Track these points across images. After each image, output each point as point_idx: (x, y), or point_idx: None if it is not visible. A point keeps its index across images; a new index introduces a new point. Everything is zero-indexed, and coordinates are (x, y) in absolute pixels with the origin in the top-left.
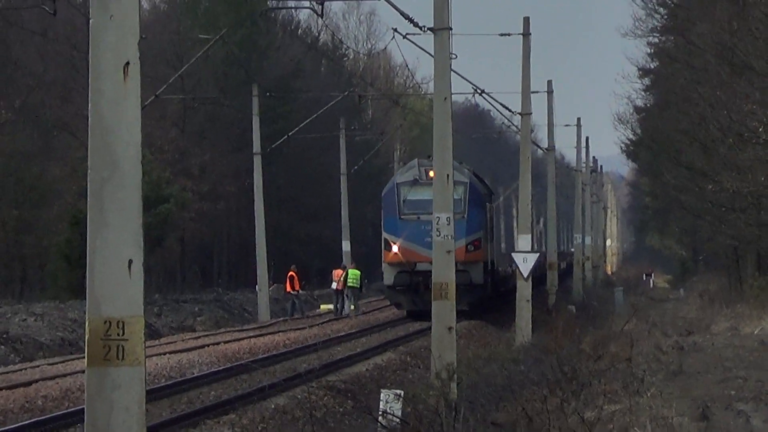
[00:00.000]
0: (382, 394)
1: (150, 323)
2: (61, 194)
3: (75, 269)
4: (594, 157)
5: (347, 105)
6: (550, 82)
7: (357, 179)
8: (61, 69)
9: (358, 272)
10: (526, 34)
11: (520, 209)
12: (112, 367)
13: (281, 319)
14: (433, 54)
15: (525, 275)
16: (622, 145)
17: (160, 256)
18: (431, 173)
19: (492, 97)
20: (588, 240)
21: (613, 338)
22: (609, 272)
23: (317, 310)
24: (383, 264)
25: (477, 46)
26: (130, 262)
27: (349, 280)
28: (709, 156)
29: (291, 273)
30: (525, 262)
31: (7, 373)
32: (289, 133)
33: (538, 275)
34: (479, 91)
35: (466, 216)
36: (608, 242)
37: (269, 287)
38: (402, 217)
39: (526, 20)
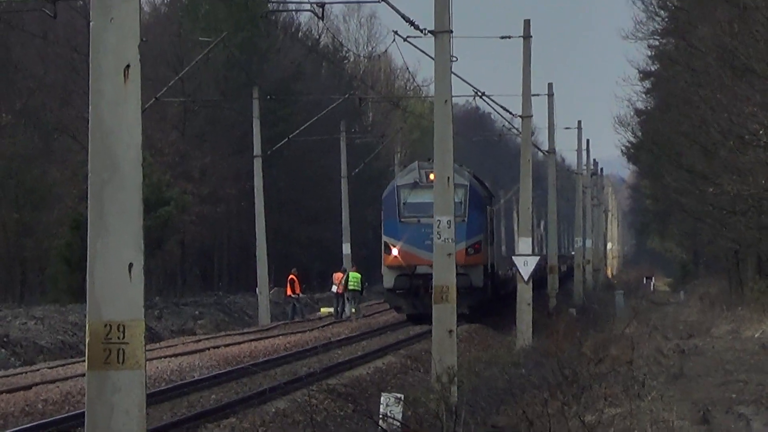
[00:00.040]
0: (382, 398)
1: (150, 326)
2: (62, 197)
3: (75, 272)
4: (594, 159)
5: (348, 108)
6: (550, 85)
7: (357, 182)
8: (61, 71)
9: (359, 275)
10: (526, 37)
11: (521, 212)
12: (112, 371)
13: (282, 322)
14: (433, 57)
15: (526, 278)
16: (623, 148)
17: (160, 259)
18: (431, 176)
19: (492, 100)
20: (589, 243)
21: (613, 341)
22: (610, 275)
23: (318, 314)
24: (383, 267)
25: (477, 49)
26: (131, 265)
27: (350, 283)
28: (710, 159)
29: (291, 276)
30: (526, 265)
31: (8, 376)
32: (290, 136)
33: (539, 278)
34: (480, 93)
35: (466, 219)
36: (609, 245)
37: (270, 290)
38: (402, 220)
39: (527, 23)
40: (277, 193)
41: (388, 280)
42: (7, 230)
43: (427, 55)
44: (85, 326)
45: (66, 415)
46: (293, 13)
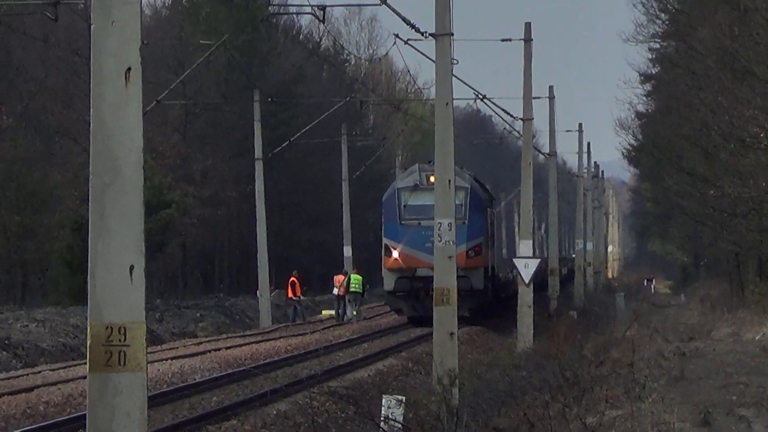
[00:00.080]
0: (383, 400)
1: (151, 329)
2: (63, 200)
3: (76, 275)
4: (595, 162)
5: (349, 110)
6: (551, 88)
7: (358, 185)
8: (62, 74)
9: (361, 277)
10: (527, 40)
11: (522, 215)
12: (113, 373)
13: (283, 324)
14: (434, 59)
15: (527, 281)
16: (624, 151)
17: (161, 261)
18: (432, 178)
19: (493, 103)
20: (589, 245)
21: (614, 344)
22: (610, 278)
23: (319, 316)
24: (383, 270)
25: (478, 52)
26: (132, 267)
27: (351, 285)
28: (711, 161)
29: (292, 279)
30: (527, 268)
31: (9, 378)
32: (291, 139)
33: (540, 281)
34: (481, 96)
35: (466, 221)
36: (610, 248)
37: (271, 293)
38: (402, 222)
39: (528, 26)
40: (278, 196)
41: (389, 282)
42: (9, 233)
43: (428, 57)
44: (86, 328)
45: (67, 417)
46: (294, 15)
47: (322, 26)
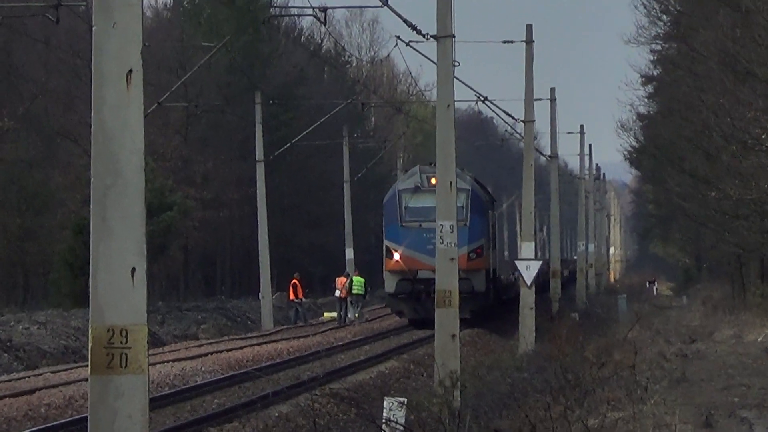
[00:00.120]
0: (385, 402)
1: (153, 331)
2: (64, 202)
3: (78, 277)
4: (597, 164)
5: (350, 112)
6: (553, 90)
7: (360, 187)
8: (63, 77)
9: (363, 279)
10: (529, 42)
11: (524, 217)
12: (115, 375)
13: (284, 326)
14: (436, 61)
15: (528, 283)
16: (625, 153)
17: (163, 264)
18: (433, 180)
19: (495, 105)
20: (591, 247)
21: (616, 346)
22: (612, 280)
23: (320, 318)
24: (384, 272)
25: (480, 54)
26: (133, 270)
27: (354, 288)
28: (713, 163)
29: (294, 281)
30: (528, 270)
31: (11, 381)
32: (292, 141)
33: (541, 283)
34: (482, 98)
35: (468, 223)
36: (611, 250)
37: (272, 295)
38: (403, 224)
39: (529, 28)
40: (280, 198)
41: (390, 284)
42: (10, 235)
43: (429, 59)
44: (87, 331)
45: (69, 419)
46: (295, 17)
47: (323, 28)
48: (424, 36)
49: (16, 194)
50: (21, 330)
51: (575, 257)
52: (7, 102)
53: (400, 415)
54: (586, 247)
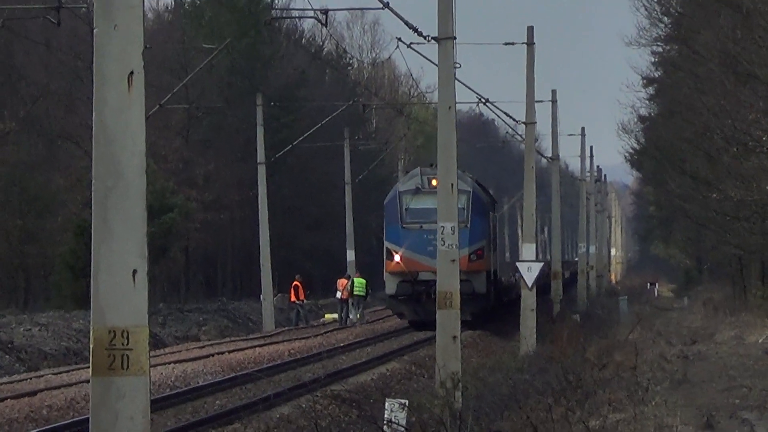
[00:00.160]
0: (386, 404)
1: (154, 333)
2: (66, 204)
3: (79, 279)
4: (598, 166)
5: (351, 114)
6: (554, 92)
7: (361, 189)
8: (65, 79)
9: (364, 281)
10: (530, 44)
11: (525, 218)
12: (116, 377)
13: (286, 328)
14: (437, 63)
15: (530, 284)
16: (627, 154)
17: (164, 265)
18: (434, 181)
19: (496, 106)
20: (592, 249)
21: (617, 347)
22: (613, 281)
23: (322, 320)
24: (385, 273)
25: (481, 55)
26: (135, 271)
27: (355, 289)
28: (714, 165)
29: (295, 282)
30: (529, 271)
31: (12, 382)
32: (294, 143)
33: (543, 284)
34: (483, 100)
35: (469, 225)
36: (612, 251)
37: (274, 297)
38: (404, 226)
39: (530, 29)
40: (281, 200)
41: (391, 286)
42: (11, 237)
43: (430, 61)
44: (89, 332)
45: (70, 421)
46: (297, 19)
47: (324, 30)
48: (425, 38)
49: (17, 196)
50: (22, 332)
51: (576, 259)
52: (9, 104)
53: (401, 417)
54: (587, 249)
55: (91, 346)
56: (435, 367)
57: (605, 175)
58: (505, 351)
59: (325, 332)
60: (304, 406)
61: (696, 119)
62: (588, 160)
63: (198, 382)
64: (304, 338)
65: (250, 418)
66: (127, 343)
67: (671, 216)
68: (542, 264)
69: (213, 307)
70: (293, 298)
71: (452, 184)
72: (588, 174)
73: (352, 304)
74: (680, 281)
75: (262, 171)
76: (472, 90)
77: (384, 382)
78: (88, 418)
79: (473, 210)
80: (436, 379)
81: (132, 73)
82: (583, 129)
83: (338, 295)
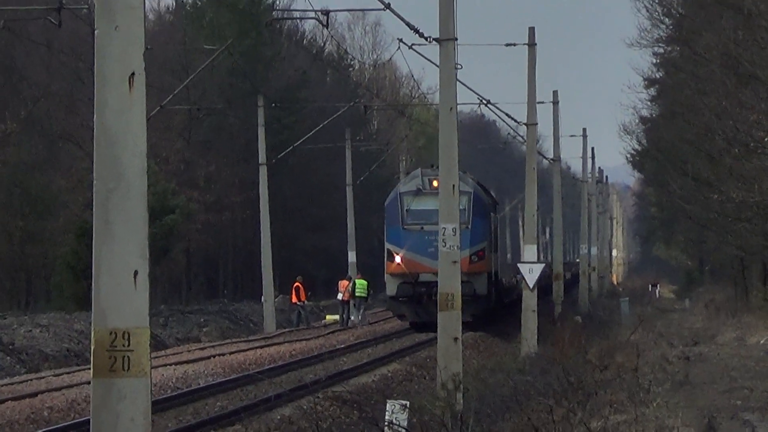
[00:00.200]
0: (387, 405)
1: (156, 334)
2: (67, 205)
3: (80, 280)
4: (600, 167)
5: (353, 115)
6: (555, 93)
7: (363, 190)
8: (66, 80)
9: (366, 282)
10: (531, 45)
11: (526, 220)
12: (117, 378)
13: (287, 329)
14: (438, 64)
15: (531, 286)
16: (628, 156)
17: (165, 267)
18: (435, 183)
19: (497, 108)
20: (594, 250)
21: (619, 348)
22: (615, 282)
23: (323, 321)
24: (386, 275)
25: (482, 57)
26: (136, 273)
27: (357, 290)
28: (715, 166)
29: (297, 284)
30: (531, 273)
31: (13, 384)
32: (295, 144)
33: (544, 285)
34: (485, 101)
35: (469, 226)
36: (614, 252)
37: (275, 298)
38: (405, 227)
39: (532, 30)
40: (282, 201)
41: (391, 287)
42: (13, 238)
43: (432, 62)
44: (90, 334)
45: (71, 422)
46: (298, 20)
47: (326, 31)
48: (426, 39)
49: (18, 197)
50: (23, 333)
51: (578, 260)
52: (10, 105)
53: (402, 418)
54: (589, 250)
55: (92, 348)
56: (436, 368)
57: (607, 177)
58: (506, 352)
59: (327, 333)
60: (305, 407)
61: (697, 120)
62: (589, 161)
63: (199, 384)
64: (305, 339)
65: (251, 420)
66: (128, 345)
67: (673, 217)
68: (543, 265)
69: (214, 309)
70: (294, 300)
71: (454, 186)
72: (589, 175)
73: (354, 305)
74: (682, 282)
75: (263, 172)
76: (474, 91)
77: (385, 383)
78: (89, 420)
79: (474, 211)
80: (438, 380)
81: (133, 74)
82: (584, 130)
83: (339, 296)
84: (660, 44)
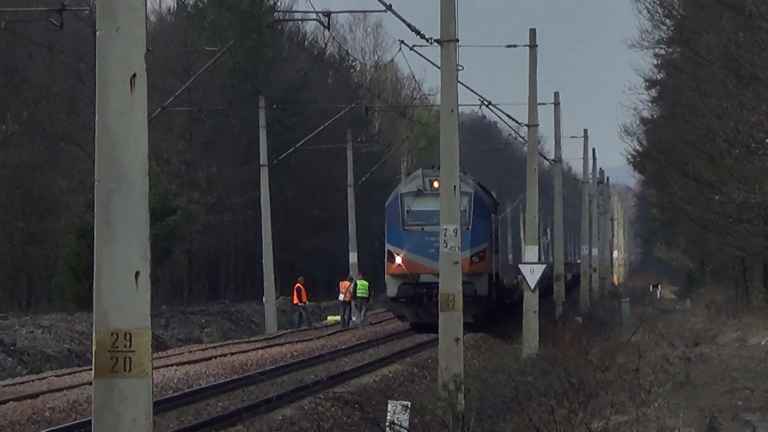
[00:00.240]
0: (389, 406)
1: (157, 335)
2: (68, 206)
3: (82, 281)
4: (601, 168)
5: (354, 117)
6: (557, 94)
7: (364, 191)
8: (67, 81)
9: (367, 282)
10: (532, 46)
11: (527, 221)
12: (119, 379)
13: (288, 330)
14: (439, 66)
15: (532, 286)
16: (629, 157)
17: (167, 268)
18: (435, 183)
19: (499, 109)
20: (595, 251)
21: (620, 349)
22: (616, 283)
23: (324, 322)
24: (386, 276)
25: (483, 58)
26: (137, 273)
27: (358, 291)
28: (716, 167)
29: (298, 284)
30: (532, 273)
31: (15, 384)
32: (296, 145)
33: (545, 286)
34: (486, 102)
35: (470, 227)
36: (615, 253)
37: (276, 299)
38: (405, 228)
39: (533, 32)
40: (284, 202)
41: (392, 288)
42: (14, 239)
43: (433, 64)
44: (91, 334)
45: (73, 423)
46: (299, 22)
47: (327, 32)
48: (427, 40)
49: (20, 198)
50: (25, 334)
51: (579, 261)
52: (11, 106)
53: (403, 419)
54: (590, 251)
55: (93, 348)
56: (437, 369)
57: (608, 177)
58: (507, 353)
59: (328, 334)
60: (306, 407)
61: (698, 121)
62: (590, 162)
63: (200, 384)
64: (306, 340)
65: (252, 420)
66: (130, 345)
67: (674, 218)
68: (545, 266)
69: (215, 309)
70: (296, 300)
71: (455, 187)
72: (590, 176)
73: (355, 306)
74: (683, 283)
75: (264, 173)
76: (475, 92)
77: (386, 383)
78: (90, 420)
79: (475, 212)
80: (439, 381)
81: (134, 75)
82: (585, 131)
83: (341, 297)
84: (661, 45)
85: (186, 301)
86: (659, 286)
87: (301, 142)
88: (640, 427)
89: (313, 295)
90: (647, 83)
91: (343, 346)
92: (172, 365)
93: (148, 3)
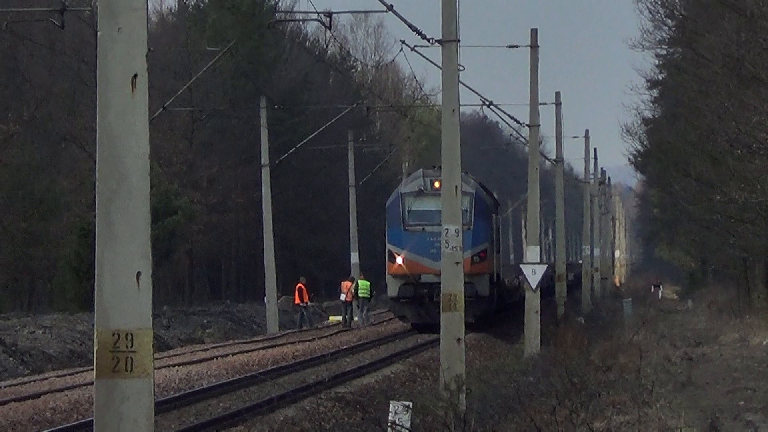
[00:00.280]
0: (390, 406)
1: (158, 335)
2: (70, 206)
3: (83, 281)
4: (602, 168)
5: (355, 117)
6: (558, 94)
7: (365, 191)
8: (69, 81)
9: (368, 283)
10: (533, 46)
11: (529, 221)
12: (120, 379)
13: (290, 330)
14: (440, 66)
15: (534, 286)
16: (631, 157)
17: (168, 268)
18: (437, 183)
19: (500, 109)
20: (596, 251)
21: (621, 349)
22: (618, 283)
23: (326, 322)
24: (387, 276)
25: (485, 58)
26: (139, 274)
27: (360, 291)
28: (718, 167)
29: (299, 285)
30: (534, 274)
31: (16, 385)
32: (298, 146)
33: (547, 286)
34: (487, 102)
35: (471, 227)
36: (617, 253)
37: (278, 299)
38: (406, 228)
39: (534, 32)
40: (285, 203)
41: (393, 288)
42: (15, 240)
43: (434, 64)
44: (93, 335)
45: (74, 423)
46: (300, 22)
47: (328, 33)
48: (428, 40)
49: (21, 199)
50: (26, 334)
51: (580, 261)
52: (12, 106)
53: (405, 419)
54: (592, 251)
55: (95, 349)
56: (439, 369)
57: (609, 178)
58: (508, 353)
59: (330, 334)
60: (308, 408)
61: (700, 122)
62: (592, 163)
63: (202, 385)
64: (308, 340)
65: (254, 421)
66: (131, 346)
67: (675, 218)
68: (546, 266)
69: (217, 310)
70: (297, 301)
71: (456, 187)
72: (592, 176)
73: (357, 306)
74: (684, 283)
75: (266, 173)
76: (476, 93)
77: (388, 384)
78: (92, 421)
79: (476, 212)
80: (440, 381)
81: (136, 75)
82: (587, 131)
83: (342, 297)
84: (662, 46)
85: (187, 301)
86: (661, 286)
87: (302, 143)
88: (642, 427)
89: (315, 295)
90: (648, 83)
91: (345, 347)
92: (173, 365)
93: (149, 3)
